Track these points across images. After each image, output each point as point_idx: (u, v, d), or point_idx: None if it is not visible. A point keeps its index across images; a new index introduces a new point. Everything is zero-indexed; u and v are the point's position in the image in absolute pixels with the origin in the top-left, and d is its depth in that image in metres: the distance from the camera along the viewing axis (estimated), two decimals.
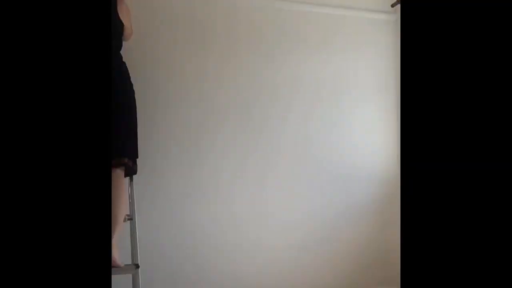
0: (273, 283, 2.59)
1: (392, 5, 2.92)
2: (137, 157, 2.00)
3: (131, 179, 2.01)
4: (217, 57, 2.59)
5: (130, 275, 1.83)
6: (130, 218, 1.94)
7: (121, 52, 2.00)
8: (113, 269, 1.68)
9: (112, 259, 1.70)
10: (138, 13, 2.45)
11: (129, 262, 1.87)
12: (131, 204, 1.96)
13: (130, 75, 2.11)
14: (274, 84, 2.68)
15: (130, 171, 1.96)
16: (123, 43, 2.02)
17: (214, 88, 2.56)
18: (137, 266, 1.82)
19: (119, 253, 1.74)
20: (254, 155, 2.61)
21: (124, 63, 1.97)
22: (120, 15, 1.95)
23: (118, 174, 1.87)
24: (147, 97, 2.44)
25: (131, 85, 2.00)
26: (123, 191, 1.88)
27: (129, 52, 2.40)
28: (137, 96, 2.24)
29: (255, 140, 2.60)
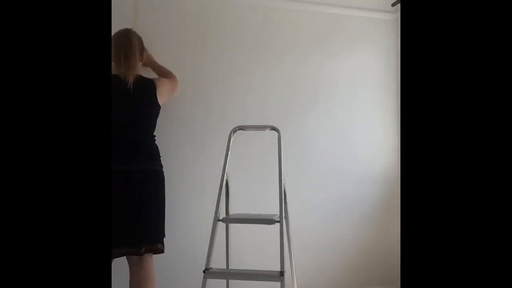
0: (273, 283, 2.58)
1: (393, 4, 2.92)
2: (164, 236, 2.02)
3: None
4: (221, 57, 2.58)
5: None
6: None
7: None
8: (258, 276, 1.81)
9: None
10: (140, 12, 2.45)
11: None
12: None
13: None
14: (273, 83, 2.68)
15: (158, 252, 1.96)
16: None
17: (215, 87, 2.56)
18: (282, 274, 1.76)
19: None
20: (253, 154, 2.60)
21: (156, 145, 2.07)
22: (159, 97, 2.05)
23: (149, 260, 1.92)
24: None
25: (161, 166, 2.06)
26: (154, 277, 1.93)
27: None
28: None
29: (253, 140, 2.60)
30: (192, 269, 2.23)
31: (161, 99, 2.07)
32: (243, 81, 2.63)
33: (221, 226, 2.06)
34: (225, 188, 2.05)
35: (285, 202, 2.02)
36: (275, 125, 2.10)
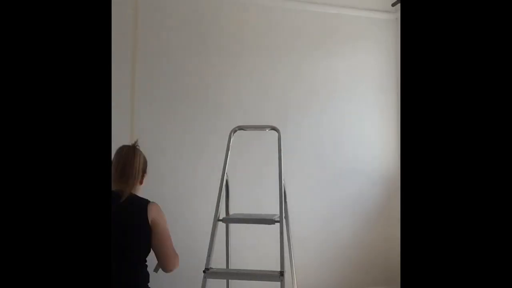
0: (273, 283, 2.59)
1: (393, 4, 2.92)
2: None
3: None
4: (223, 57, 2.59)
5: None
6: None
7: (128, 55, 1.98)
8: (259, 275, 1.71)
9: None
10: (140, 12, 2.46)
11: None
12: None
13: (134, 74, 2.11)
14: (274, 84, 2.68)
15: None
16: None
17: (218, 89, 2.57)
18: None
19: None
20: (254, 155, 2.60)
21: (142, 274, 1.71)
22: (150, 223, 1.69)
23: None
24: (152, 97, 2.44)
25: None
26: None
27: (132, 52, 2.41)
28: (140, 95, 2.20)
29: (253, 141, 2.60)
30: (192, 269, 2.23)
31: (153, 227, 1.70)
32: (243, 81, 2.63)
33: (221, 226, 2.06)
34: (225, 188, 2.05)
35: (285, 202, 2.02)
36: (275, 125, 2.09)
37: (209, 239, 1.84)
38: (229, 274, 1.94)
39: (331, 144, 2.76)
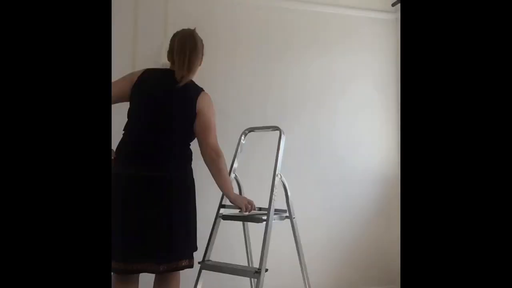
0: (273, 283, 2.59)
1: (393, 4, 2.92)
2: (195, 249, 1.81)
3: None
4: (221, 57, 2.58)
5: None
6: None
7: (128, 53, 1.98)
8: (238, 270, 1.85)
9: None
10: (143, 13, 2.45)
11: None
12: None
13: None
14: (273, 84, 2.68)
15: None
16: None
17: (216, 88, 2.56)
18: (265, 270, 1.82)
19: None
20: (256, 156, 2.60)
21: (189, 150, 1.87)
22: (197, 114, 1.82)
23: (176, 278, 1.76)
24: None
25: (190, 171, 1.86)
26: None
27: (131, 52, 2.41)
28: None
29: (256, 141, 2.60)
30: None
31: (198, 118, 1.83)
32: (244, 81, 2.63)
33: (230, 224, 2.10)
34: (237, 186, 2.13)
35: (287, 198, 2.09)
36: (274, 124, 2.10)
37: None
38: (216, 267, 1.94)
39: (330, 144, 2.76)
